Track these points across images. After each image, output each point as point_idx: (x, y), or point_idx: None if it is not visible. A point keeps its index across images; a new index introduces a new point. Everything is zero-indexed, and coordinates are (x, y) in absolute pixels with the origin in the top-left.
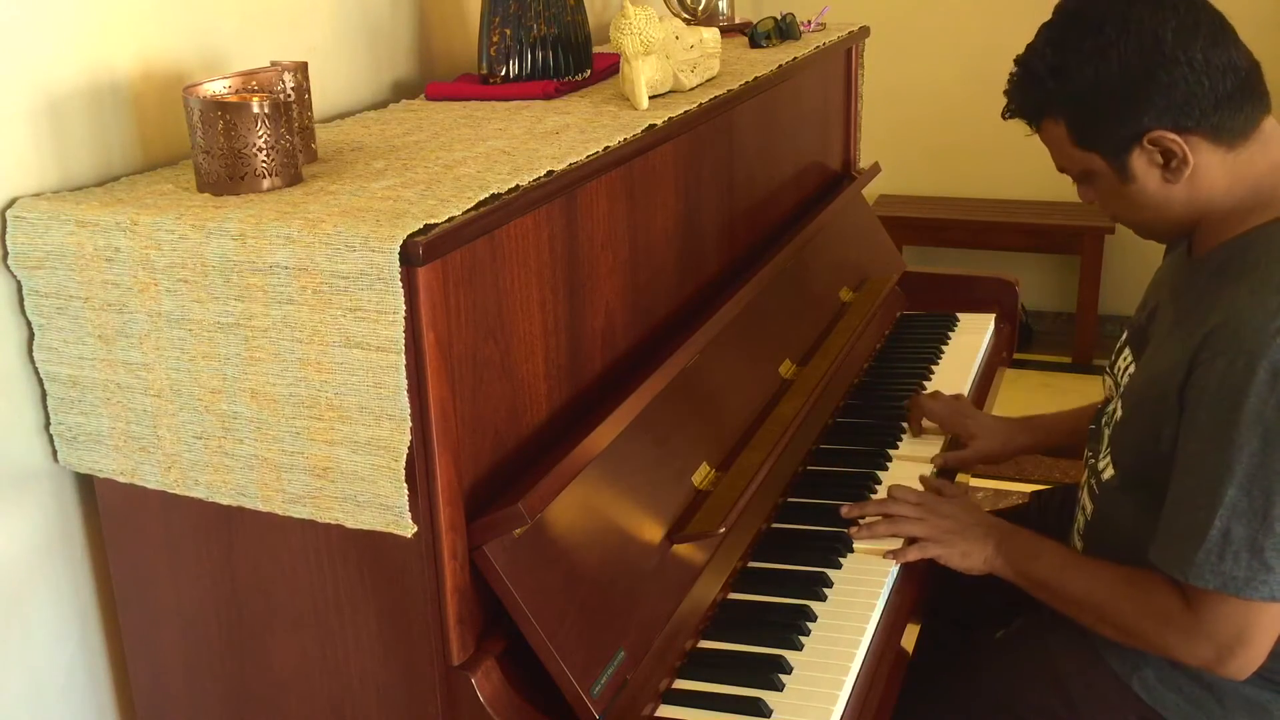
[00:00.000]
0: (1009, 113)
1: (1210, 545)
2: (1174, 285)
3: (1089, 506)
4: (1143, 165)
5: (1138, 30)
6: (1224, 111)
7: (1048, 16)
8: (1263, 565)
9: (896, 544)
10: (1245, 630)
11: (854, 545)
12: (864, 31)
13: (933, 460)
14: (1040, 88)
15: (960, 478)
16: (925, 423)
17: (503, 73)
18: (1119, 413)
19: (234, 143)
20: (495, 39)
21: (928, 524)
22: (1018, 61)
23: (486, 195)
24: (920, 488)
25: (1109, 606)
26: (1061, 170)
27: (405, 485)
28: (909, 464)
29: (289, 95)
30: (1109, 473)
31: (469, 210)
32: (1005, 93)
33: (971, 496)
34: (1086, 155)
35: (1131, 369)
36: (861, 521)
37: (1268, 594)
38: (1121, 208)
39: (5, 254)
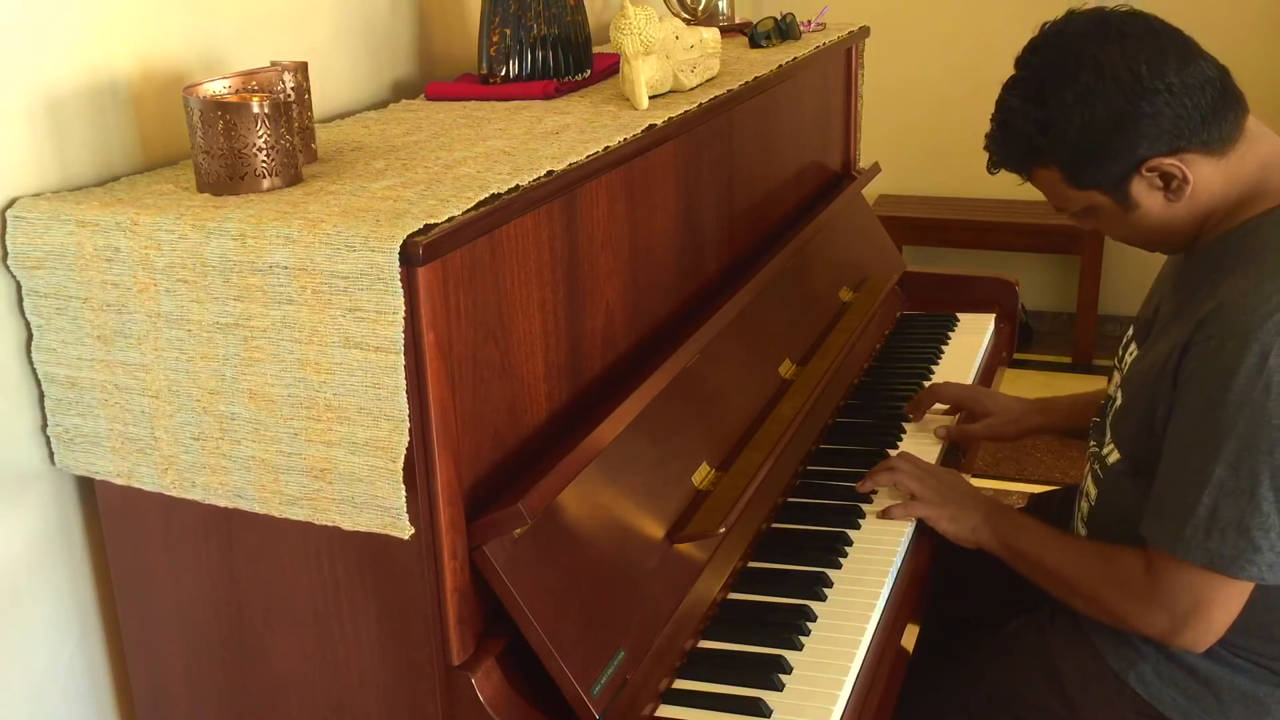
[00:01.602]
0: (995, 167)
1: (1198, 522)
2: (1176, 280)
3: (1093, 492)
4: (1144, 191)
5: (1113, 70)
6: (1211, 125)
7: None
8: (1250, 545)
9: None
10: (1201, 602)
11: (854, 542)
12: (864, 31)
13: (937, 432)
14: (1027, 143)
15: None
16: (933, 410)
17: (503, 73)
18: (1118, 400)
19: (234, 143)
20: (495, 39)
21: (924, 484)
22: (996, 120)
23: (486, 195)
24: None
25: (1077, 576)
26: (1060, 210)
27: (403, 486)
28: None
29: (289, 95)
30: (1114, 457)
31: (469, 210)
32: (987, 148)
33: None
34: (1085, 194)
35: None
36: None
37: (1255, 574)
38: (1127, 232)
39: (5, 254)
